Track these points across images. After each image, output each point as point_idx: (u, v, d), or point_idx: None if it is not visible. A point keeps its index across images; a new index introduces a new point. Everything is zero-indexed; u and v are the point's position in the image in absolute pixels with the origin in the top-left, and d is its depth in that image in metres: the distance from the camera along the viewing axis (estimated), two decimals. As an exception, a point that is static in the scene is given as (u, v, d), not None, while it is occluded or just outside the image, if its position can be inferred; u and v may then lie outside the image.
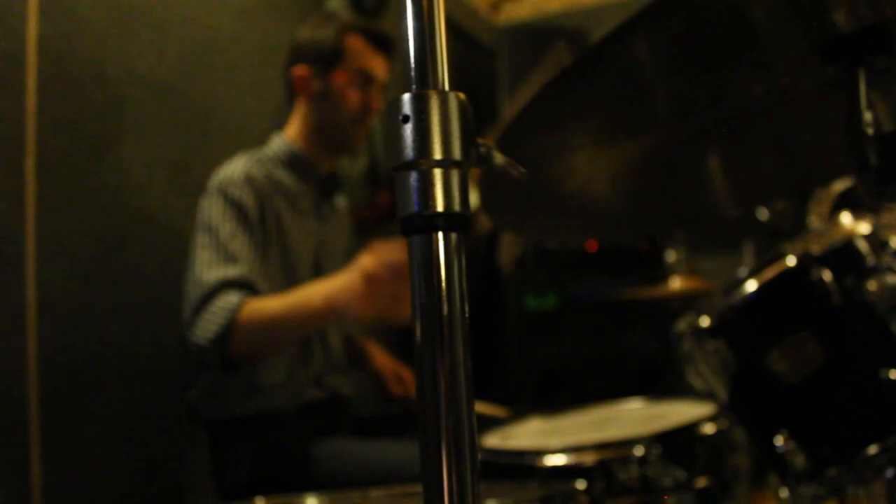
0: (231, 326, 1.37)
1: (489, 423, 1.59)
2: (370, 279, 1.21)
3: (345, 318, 1.36)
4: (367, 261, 1.22)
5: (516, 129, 0.81)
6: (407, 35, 0.52)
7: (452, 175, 0.52)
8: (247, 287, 1.44)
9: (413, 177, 0.51)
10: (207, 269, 1.45)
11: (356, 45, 1.67)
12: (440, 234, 0.51)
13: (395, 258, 1.24)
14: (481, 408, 1.69)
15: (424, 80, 0.51)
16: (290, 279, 1.60)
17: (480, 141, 0.55)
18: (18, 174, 1.54)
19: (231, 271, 1.44)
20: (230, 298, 1.40)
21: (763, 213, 1.84)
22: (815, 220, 1.58)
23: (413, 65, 0.51)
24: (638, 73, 0.75)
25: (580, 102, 0.78)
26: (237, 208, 1.52)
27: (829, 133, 1.00)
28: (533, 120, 0.79)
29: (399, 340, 2.55)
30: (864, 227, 1.22)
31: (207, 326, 1.38)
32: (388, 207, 2.56)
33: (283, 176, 1.65)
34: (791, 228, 1.73)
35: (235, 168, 1.58)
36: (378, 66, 1.69)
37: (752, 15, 0.71)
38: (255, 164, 1.61)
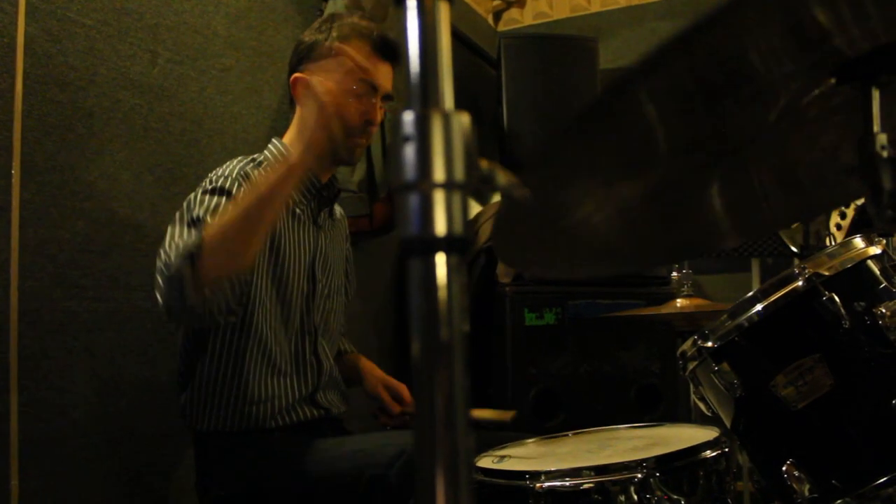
0: (198, 247, 1.27)
1: (494, 427, 1.54)
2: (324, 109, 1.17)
3: (310, 159, 1.28)
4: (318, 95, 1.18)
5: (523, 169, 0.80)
6: (410, 52, 0.50)
7: (454, 197, 0.51)
8: None
9: (414, 198, 0.50)
10: (179, 236, 1.35)
11: (358, 52, 1.62)
12: (440, 258, 0.50)
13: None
14: (486, 413, 1.64)
15: (427, 99, 0.50)
16: (280, 287, 1.56)
17: (483, 162, 0.53)
18: (4, 178, 1.50)
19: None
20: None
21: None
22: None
23: (416, 83, 0.50)
24: (641, 116, 0.73)
25: (584, 146, 0.76)
26: (224, 194, 1.45)
27: (833, 158, 0.98)
28: (538, 162, 0.77)
29: (395, 360, 2.52)
30: (875, 249, 1.20)
31: (175, 261, 1.27)
32: (384, 219, 2.53)
33: None
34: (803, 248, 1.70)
35: (231, 167, 1.54)
36: (381, 75, 1.62)
37: (751, 54, 0.69)
38: (252, 167, 1.57)
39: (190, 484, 1.64)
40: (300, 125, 1.62)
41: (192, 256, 1.27)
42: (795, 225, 1.81)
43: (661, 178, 0.88)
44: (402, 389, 1.80)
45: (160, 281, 1.33)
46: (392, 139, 0.51)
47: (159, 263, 1.34)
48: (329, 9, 2.42)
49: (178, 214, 1.43)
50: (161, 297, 1.33)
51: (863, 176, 0.82)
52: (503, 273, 2.59)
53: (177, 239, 1.35)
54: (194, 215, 1.40)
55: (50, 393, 1.56)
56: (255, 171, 1.55)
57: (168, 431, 1.78)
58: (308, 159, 1.30)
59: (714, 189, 0.96)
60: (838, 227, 2.11)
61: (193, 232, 1.34)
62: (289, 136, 1.65)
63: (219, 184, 1.47)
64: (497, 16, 3.83)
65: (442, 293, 0.50)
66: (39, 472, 1.52)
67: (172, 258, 1.30)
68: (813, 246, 1.96)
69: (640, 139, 0.79)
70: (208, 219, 1.37)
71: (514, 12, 3.79)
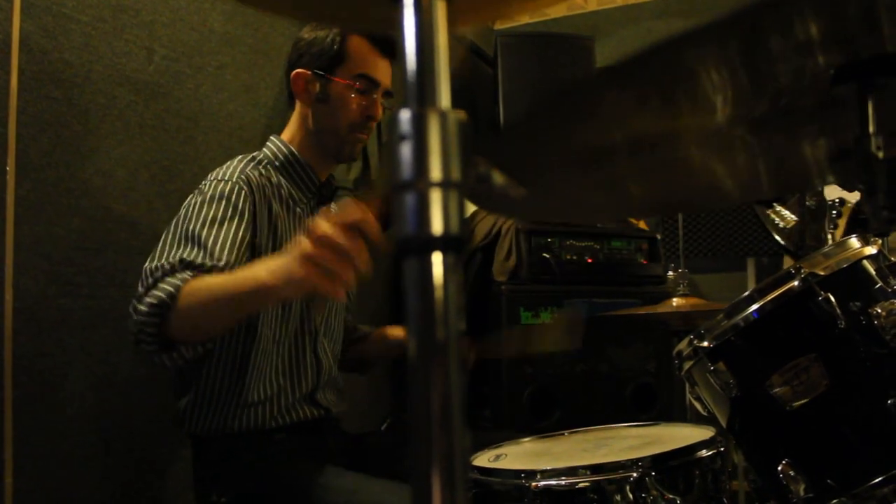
0: (173, 298, 1.26)
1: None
2: (306, 258, 1.13)
3: (289, 290, 1.23)
4: (304, 240, 1.14)
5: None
6: (407, 51, 0.50)
7: (451, 196, 0.51)
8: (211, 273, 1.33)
9: (410, 197, 0.50)
10: (169, 250, 1.36)
11: (359, 47, 1.60)
12: (437, 257, 0.50)
13: (336, 229, 1.16)
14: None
15: (424, 98, 0.50)
16: None
17: (479, 160, 0.53)
18: (-2, 175, 1.50)
19: (198, 257, 1.34)
20: (184, 276, 1.29)
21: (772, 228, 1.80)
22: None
23: (412, 82, 0.50)
24: (685, 70, 0.72)
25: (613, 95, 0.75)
26: (223, 201, 1.44)
27: (821, 143, 0.98)
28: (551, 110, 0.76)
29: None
30: (871, 249, 1.20)
31: (149, 300, 1.27)
32: (380, 216, 2.52)
33: (280, 180, 1.59)
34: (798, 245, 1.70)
35: (232, 169, 1.53)
36: (382, 71, 1.62)
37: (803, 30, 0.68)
38: (253, 167, 1.56)
39: (185, 482, 1.63)
40: (303, 128, 1.63)
41: (163, 308, 1.27)
42: (793, 224, 1.81)
43: (664, 135, 0.87)
44: None
45: (135, 303, 1.32)
46: (388, 138, 0.51)
47: (143, 281, 1.34)
48: (326, 6, 2.42)
49: (174, 221, 1.44)
50: (132, 318, 1.31)
51: (859, 177, 0.82)
52: (499, 272, 2.58)
53: (165, 258, 1.35)
54: (189, 228, 1.40)
55: (45, 390, 1.56)
56: (256, 172, 1.54)
57: (164, 429, 1.77)
58: (283, 293, 1.23)
59: (718, 151, 0.95)
60: (834, 226, 2.10)
61: (197, 254, 1.34)
62: (289, 134, 1.65)
63: (217, 190, 1.46)
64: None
65: (438, 292, 0.50)
66: (34, 470, 1.51)
67: (147, 286, 1.30)
68: (811, 245, 1.96)
69: (680, 90, 0.78)
70: (209, 238, 1.37)
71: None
